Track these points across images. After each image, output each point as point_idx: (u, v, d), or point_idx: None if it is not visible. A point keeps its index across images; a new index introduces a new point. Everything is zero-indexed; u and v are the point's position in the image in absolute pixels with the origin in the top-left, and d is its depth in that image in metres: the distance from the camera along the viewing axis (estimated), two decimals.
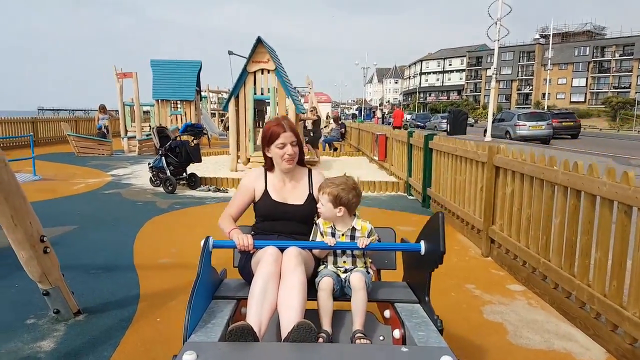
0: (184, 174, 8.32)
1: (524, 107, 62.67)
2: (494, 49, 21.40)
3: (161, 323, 3.05)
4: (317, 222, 2.27)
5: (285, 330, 1.76)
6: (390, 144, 9.94)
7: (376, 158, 11.19)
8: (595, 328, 2.87)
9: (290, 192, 2.39)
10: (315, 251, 2.23)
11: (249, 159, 9.93)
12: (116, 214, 6.34)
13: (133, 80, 14.91)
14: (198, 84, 16.79)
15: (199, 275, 1.84)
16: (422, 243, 2.09)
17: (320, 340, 1.89)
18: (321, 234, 2.22)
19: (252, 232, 2.37)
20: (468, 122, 29.95)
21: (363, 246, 2.09)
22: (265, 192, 2.37)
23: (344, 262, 2.21)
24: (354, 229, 2.21)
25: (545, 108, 43.33)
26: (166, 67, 16.13)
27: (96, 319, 3.11)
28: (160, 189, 8.08)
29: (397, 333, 1.97)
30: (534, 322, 3.15)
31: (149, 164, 8.48)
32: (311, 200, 2.37)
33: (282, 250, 2.06)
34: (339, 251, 2.22)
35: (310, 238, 2.26)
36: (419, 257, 2.11)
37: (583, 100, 69.83)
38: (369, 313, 2.08)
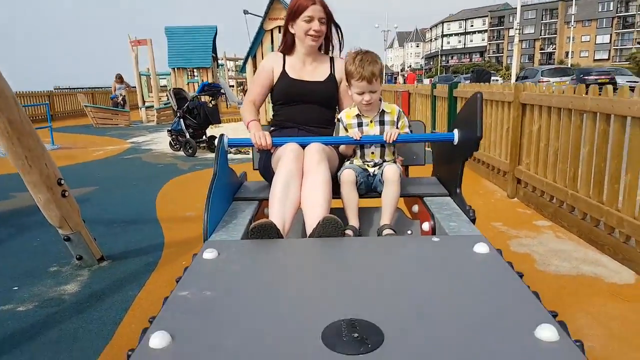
0: (204, 136, 8.24)
1: (547, 66, 60.54)
2: (516, 8, 20.53)
3: (187, 266, 3.04)
4: (339, 117, 2.10)
5: (310, 227, 1.67)
6: (413, 100, 9.72)
7: None
8: (625, 252, 2.79)
9: (310, 72, 2.22)
10: (340, 148, 2.07)
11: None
12: (137, 176, 6.38)
13: (148, 47, 14.70)
14: (214, 50, 16.54)
15: (215, 174, 1.75)
16: (456, 131, 1.94)
17: (349, 233, 1.80)
18: (345, 128, 2.05)
19: (271, 128, 2.24)
20: (492, 80, 29.20)
21: (391, 139, 1.92)
22: (284, 71, 2.21)
23: (372, 153, 2.04)
24: (383, 113, 2.02)
25: (569, 66, 41.81)
26: (181, 34, 15.83)
27: (120, 264, 3.11)
28: (181, 153, 8.07)
29: (426, 226, 1.86)
30: (562, 251, 3.07)
31: (168, 130, 8.46)
32: (332, 80, 2.22)
33: (303, 147, 1.93)
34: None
35: (334, 134, 2.11)
36: (451, 149, 1.97)
37: (607, 57, 67.08)
38: (396, 209, 1.95)
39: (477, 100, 1.79)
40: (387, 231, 1.81)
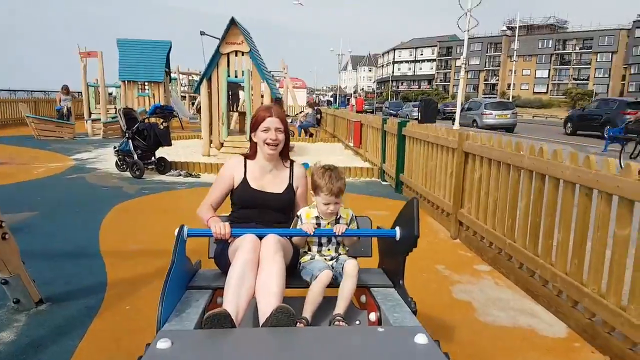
0: (153, 157, 8.05)
1: (490, 97, 64.18)
2: (463, 40, 21.72)
3: (131, 311, 2.94)
4: (298, 213, 2.25)
5: (264, 315, 1.73)
6: (365, 131, 9.98)
7: (351, 144, 11.22)
8: (557, 305, 2.99)
9: (269, 181, 2.37)
10: (295, 240, 2.21)
11: (222, 143, 9.73)
12: (80, 200, 6.12)
13: (98, 59, 14.26)
14: (167, 64, 16.27)
15: (172, 263, 1.79)
16: (398, 229, 2.13)
17: (300, 325, 1.89)
18: (303, 224, 2.20)
19: (230, 222, 2.31)
20: (438, 110, 30.59)
21: (340, 232, 2.10)
22: (244, 179, 2.34)
23: (328, 249, 2.23)
24: (339, 218, 2.22)
25: (510, 98, 44.51)
26: (134, 47, 15.49)
27: (60, 308, 2.96)
28: (127, 174, 7.83)
29: (372, 316, 2.01)
30: (500, 300, 3.25)
31: (115, 147, 8.19)
32: (290, 191, 2.38)
33: (260, 238, 2.02)
34: (324, 240, 2.22)
35: (290, 228, 2.24)
36: (394, 243, 2.15)
37: (545, 91, 72.13)
38: None
39: (414, 205, 2.03)
40: (339, 321, 1.93)
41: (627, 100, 17.99)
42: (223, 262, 2.18)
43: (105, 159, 9.57)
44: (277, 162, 2.40)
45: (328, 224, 2.20)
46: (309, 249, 2.25)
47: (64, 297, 3.12)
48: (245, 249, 1.93)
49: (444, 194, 5.07)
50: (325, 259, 2.20)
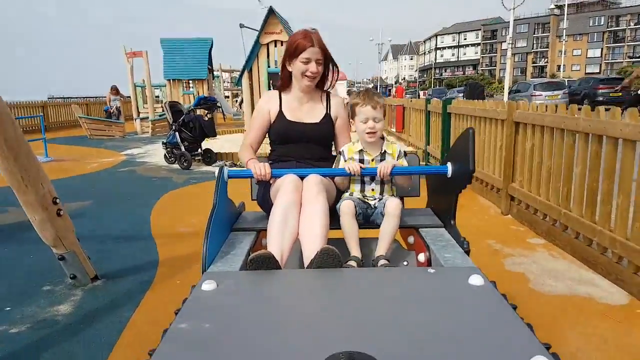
0: (199, 149, 8.23)
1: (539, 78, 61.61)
2: (508, 22, 20.87)
3: (182, 286, 2.98)
4: (342, 149, 2.14)
5: (308, 258, 1.69)
6: (407, 114, 9.80)
7: (394, 130, 11.05)
8: (617, 272, 2.81)
9: (306, 112, 2.26)
10: (337, 180, 2.10)
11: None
12: (132, 190, 6.37)
13: (143, 59, 14.77)
14: (210, 62, 16.61)
15: (215, 205, 1.78)
16: (449, 165, 1.98)
17: (353, 264, 1.81)
18: (345, 161, 2.07)
19: (269, 162, 2.25)
20: (485, 93, 29.59)
21: (385, 173, 1.95)
22: (280, 112, 2.25)
23: (372, 190, 2.08)
24: (384, 153, 2.08)
25: (561, 79, 42.35)
26: (176, 46, 15.88)
27: (114, 283, 3.08)
28: (176, 166, 8.06)
29: (422, 257, 1.90)
30: (556, 271, 3.09)
31: (163, 142, 8.45)
32: (328, 120, 2.26)
33: (302, 178, 1.95)
34: (366, 178, 2.07)
35: (333, 167, 2.14)
36: (445, 181, 2.01)
37: (598, 71, 67.98)
38: (393, 241, 1.97)
39: (469, 136, 1.85)
40: (382, 262, 1.83)
41: (600, 77, 21.95)
42: (266, 203, 2.13)
43: (154, 154, 9.90)
44: (313, 93, 2.28)
45: (373, 160, 2.06)
46: (349, 187, 2.12)
47: (119, 274, 3.24)
48: (287, 190, 1.88)
49: (493, 169, 4.88)
50: (367, 198, 2.08)
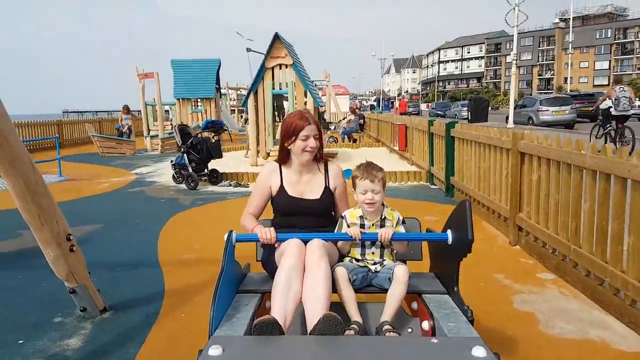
0: (206, 169, 8.40)
1: (545, 93, 61.80)
2: (512, 35, 20.98)
3: (186, 319, 3.05)
4: (343, 214, 2.23)
5: (311, 323, 1.73)
6: (410, 134, 9.83)
7: (396, 148, 11.08)
8: (631, 315, 2.77)
9: (306, 185, 2.38)
10: (340, 244, 2.19)
11: (269, 153, 10.01)
12: (140, 212, 6.44)
13: (154, 80, 15.10)
14: (217, 81, 16.98)
15: (223, 269, 1.83)
16: (449, 232, 2.04)
17: (352, 332, 1.84)
18: (347, 226, 2.17)
19: (274, 226, 2.34)
20: (490, 107, 29.67)
21: (386, 238, 2.03)
22: (281, 187, 2.37)
23: (372, 253, 2.17)
24: (384, 219, 2.17)
25: (568, 92, 42.34)
26: (186, 67, 16.41)
27: (122, 316, 3.13)
28: (183, 186, 8.17)
29: (426, 325, 1.92)
30: (567, 311, 3.05)
31: (172, 161, 8.59)
32: (328, 194, 2.37)
33: (305, 242, 2.03)
34: (366, 243, 2.17)
35: (335, 231, 2.22)
36: (446, 247, 2.05)
37: (606, 83, 67.75)
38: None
39: (466, 208, 1.92)
40: (387, 328, 1.86)
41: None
42: (270, 266, 2.22)
43: (163, 172, 10.02)
44: (311, 165, 2.40)
45: (373, 225, 2.14)
46: (349, 252, 2.21)
47: (126, 306, 3.29)
48: (290, 254, 1.94)
49: (499, 197, 4.86)
50: (368, 263, 2.15)
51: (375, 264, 2.15)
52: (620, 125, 10.53)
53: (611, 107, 10.53)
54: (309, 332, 1.71)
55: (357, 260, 2.18)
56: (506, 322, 2.90)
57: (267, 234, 2.08)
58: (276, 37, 9.47)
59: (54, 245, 2.82)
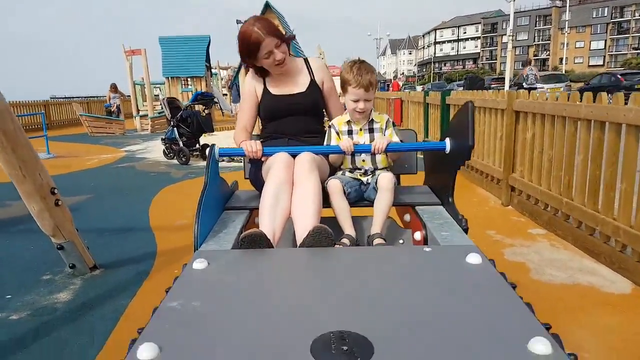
0: (197, 145, 8.25)
1: (541, 71, 61.46)
2: (509, 14, 20.76)
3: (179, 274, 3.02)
4: (331, 123, 2.11)
5: (301, 237, 1.65)
6: (405, 107, 9.77)
7: None
8: (621, 261, 2.78)
9: (290, 84, 2.22)
10: (332, 157, 2.07)
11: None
12: (131, 184, 6.37)
13: (142, 56, 14.81)
14: (208, 59, 16.65)
15: (206, 183, 1.75)
16: (448, 140, 1.92)
17: (346, 242, 1.78)
18: (337, 134, 2.05)
19: (261, 140, 2.22)
20: (485, 85, 29.67)
21: (380, 149, 1.91)
22: (265, 89, 2.23)
23: (363, 160, 2.05)
24: (372, 121, 2.04)
25: (564, 72, 42.34)
26: (175, 44, 15.99)
27: (113, 273, 3.10)
28: (174, 161, 8.07)
29: (418, 235, 1.85)
30: (557, 260, 3.06)
31: (162, 138, 8.46)
32: (314, 87, 2.22)
33: (293, 156, 1.92)
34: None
35: (325, 142, 2.11)
36: (443, 158, 1.95)
37: (602, 63, 67.68)
38: (388, 218, 1.93)
39: (468, 109, 1.78)
40: (377, 240, 1.79)
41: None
42: (258, 182, 2.11)
43: (153, 150, 9.90)
44: (290, 65, 2.21)
45: (361, 129, 2.03)
46: (342, 163, 2.09)
47: (117, 264, 3.25)
48: (278, 168, 1.85)
49: (493, 160, 4.85)
50: (358, 173, 2.05)
51: (366, 173, 2.04)
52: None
53: (524, 82, 15.08)
54: (298, 245, 1.65)
55: (350, 171, 2.07)
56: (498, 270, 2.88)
57: (253, 146, 1.95)
58: (267, 6, 9.28)
59: (37, 198, 2.76)
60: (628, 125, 2.69)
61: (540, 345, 0.92)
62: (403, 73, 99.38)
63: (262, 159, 2.03)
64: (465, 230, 1.70)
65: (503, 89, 20.82)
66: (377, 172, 2.02)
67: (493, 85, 30.77)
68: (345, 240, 1.79)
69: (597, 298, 2.53)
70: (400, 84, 48.60)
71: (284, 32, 2.22)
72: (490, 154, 4.92)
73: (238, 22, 19.59)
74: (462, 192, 4.92)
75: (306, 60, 2.30)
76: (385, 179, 1.89)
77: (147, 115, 15.10)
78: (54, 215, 2.85)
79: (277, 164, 1.87)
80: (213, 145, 1.91)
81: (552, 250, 3.27)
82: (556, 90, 20.72)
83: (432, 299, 1.19)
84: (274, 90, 2.20)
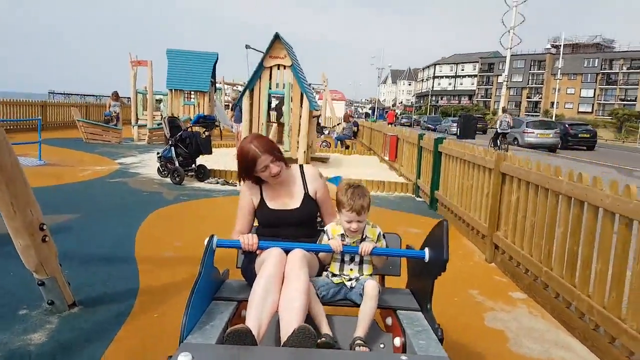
0: (193, 165, 8.25)
1: (533, 115, 63.00)
2: (505, 57, 21.34)
3: (160, 319, 2.97)
4: (325, 229, 2.23)
5: (285, 334, 1.71)
6: (401, 146, 9.91)
7: (387, 158, 11.17)
8: (594, 339, 2.84)
9: (285, 196, 2.35)
10: (321, 256, 2.19)
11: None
12: (121, 204, 6.31)
13: (148, 68, 14.84)
14: (213, 75, 16.75)
15: (200, 274, 1.81)
16: (427, 250, 2.07)
17: (323, 342, 1.83)
18: (329, 239, 2.18)
19: (258, 234, 2.30)
20: (478, 126, 30.28)
21: (366, 252, 2.05)
22: (262, 201, 2.34)
23: (351, 269, 2.18)
24: (365, 238, 2.17)
25: (554, 117, 43.28)
26: (182, 57, 16.05)
27: (91, 312, 3.02)
28: (168, 180, 8.02)
29: (397, 341, 1.94)
30: (535, 330, 3.12)
31: (158, 153, 8.43)
32: (308, 201, 2.35)
33: (287, 251, 2.02)
34: (346, 258, 2.18)
35: (317, 243, 2.22)
36: (423, 264, 2.09)
37: (590, 110, 69.44)
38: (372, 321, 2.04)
39: (443, 228, 1.95)
40: (360, 347, 1.86)
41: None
42: (249, 274, 2.19)
43: (148, 164, 9.85)
44: (286, 175, 2.35)
45: (354, 242, 2.15)
46: (329, 267, 2.21)
47: (96, 302, 3.18)
48: (271, 263, 1.92)
49: (479, 214, 4.94)
50: (344, 278, 2.16)
51: (351, 279, 2.15)
52: (502, 137, 17.72)
53: (498, 127, 17.78)
54: (282, 343, 1.70)
55: (334, 275, 2.19)
56: (477, 338, 2.95)
57: (249, 239, 2.05)
58: (276, 37, 9.43)
59: (25, 235, 2.72)
60: (605, 210, 2.79)
61: None
62: (402, 102, 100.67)
63: (257, 252, 2.11)
64: (441, 341, 1.80)
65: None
66: (361, 278, 2.14)
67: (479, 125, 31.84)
68: (324, 339, 1.85)
69: None
70: (398, 112, 49.64)
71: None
72: (477, 208, 5.01)
73: (247, 47, 19.92)
74: (450, 242, 4.95)
75: (301, 167, 2.43)
76: (372, 286, 2.01)
77: (145, 125, 15.03)
78: (40, 251, 2.82)
79: (270, 259, 1.95)
80: (212, 236, 1.97)
81: (530, 318, 3.32)
82: (546, 136, 21.25)
83: None
84: (270, 203, 2.33)
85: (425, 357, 1.65)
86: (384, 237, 2.25)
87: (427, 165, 7.30)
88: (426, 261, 2.06)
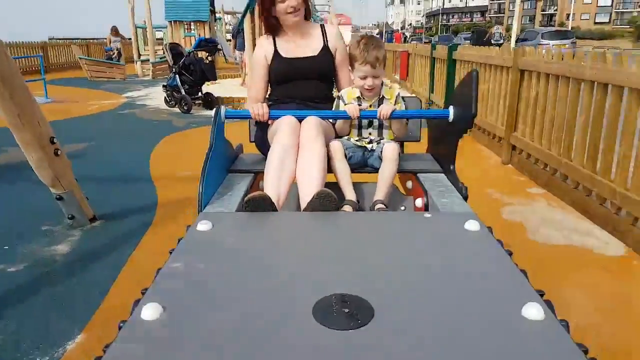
0: (200, 93, 8.10)
1: (548, 28, 59.75)
2: None
3: (182, 226, 3.00)
4: (340, 94, 2.07)
5: (305, 201, 1.66)
6: (412, 60, 9.55)
7: (397, 77, 10.82)
8: (615, 223, 2.82)
9: (303, 46, 2.16)
10: (338, 127, 2.06)
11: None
12: (132, 132, 6.33)
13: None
14: (212, 3, 16.10)
15: (211, 145, 1.74)
16: (451, 108, 1.91)
17: (348, 209, 1.79)
18: (345, 105, 2.01)
19: (269, 103, 2.18)
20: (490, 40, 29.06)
21: (385, 115, 1.90)
22: (275, 52, 2.15)
23: (370, 133, 2.04)
24: (382, 99, 2.01)
25: (570, 28, 41.14)
26: None
27: (113, 224, 3.08)
28: (176, 109, 7.95)
29: (419, 202, 1.87)
30: (553, 220, 3.11)
31: (164, 84, 8.29)
32: (327, 52, 2.15)
33: (300, 120, 1.90)
34: (364, 122, 2.03)
35: (333, 109, 2.08)
36: (446, 126, 1.95)
37: (608, 20, 65.60)
38: (391, 185, 1.94)
39: (472, 78, 1.77)
40: (379, 206, 1.80)
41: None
42: (264, 145, 2.09)
43: (155, 97, 9.74)
44: (304, 27, 2.15)
45: (370, 105, 2.00)
46: (349, 133, 2.07)
47: (117, 215, 3.25)
48: (284, 132, 1.83)
49: (496, 118, 4.82)
50: (364, 141, 2.04)
51: (371, 142, 2.02)
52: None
53: (492, 39, 18.03)
54: (302, 209, 1.66)
55: (355, 140, 2.06)
56: (495, 230, 2.92)
57: (259, 109, 1.92)
58: None
59: (37, 148, 2.71)
60: (630, 89, 2.66)
61: (533, 310, 0.95)
62: (411, 24, 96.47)
63: (269, 122, 2.00)
64: (465, 198, 1.73)
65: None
66: (382, 141, 2.01)
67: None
68: (347, 206, 1.80)
69: (590, 259, 2.59)
70: (407, 35, 47.75)
71: None
72: (494, 112, 4.87)
73: None
74: (463, 149, 4.89)
75: (322, 27, 2.21)
76: (390, 149, 1.89)
77: (148, 60, 14.71)
78: (53, 165, 2.82)
79: (283, 127, 1.85)
80: (219, 106, 1.88)
81: (549, 210, 3.31)
82: (561, 46, 20.31)
83: (430, 264, 1.22)
84: (285, 53, 2.14)
85: (450, 213, 1.59)
86: (404, 99, 2.08)
87: (441, 77, 7.05)
88: (450, 120, 1.91)
